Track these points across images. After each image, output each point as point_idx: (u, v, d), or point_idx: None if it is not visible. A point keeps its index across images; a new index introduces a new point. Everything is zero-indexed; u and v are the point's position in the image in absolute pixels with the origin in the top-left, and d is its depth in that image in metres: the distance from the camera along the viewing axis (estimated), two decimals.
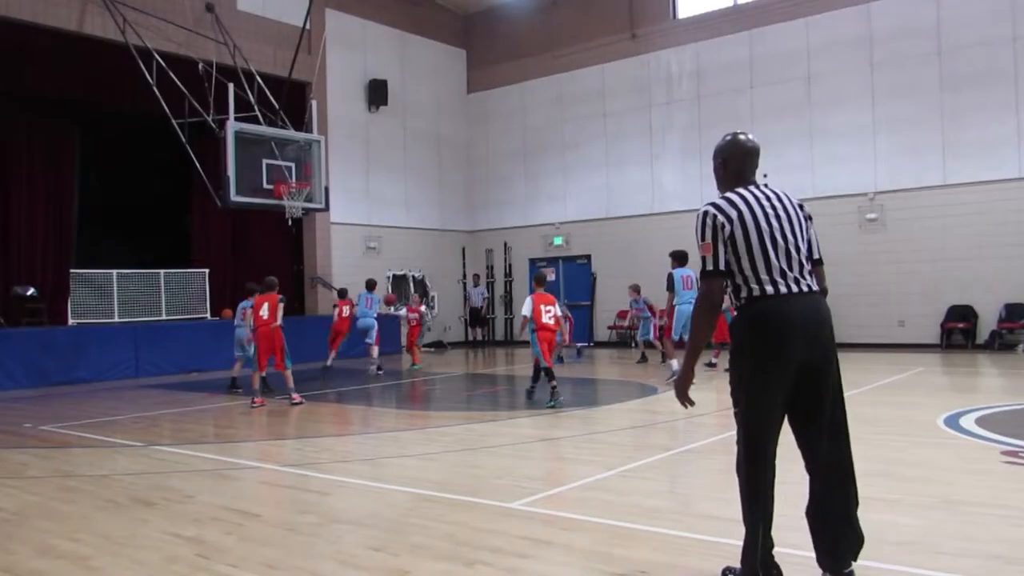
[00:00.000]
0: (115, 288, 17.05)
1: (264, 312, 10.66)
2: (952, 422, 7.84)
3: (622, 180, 21.06)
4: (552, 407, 9.58)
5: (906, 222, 16.90)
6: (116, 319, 16.88)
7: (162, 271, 17.75)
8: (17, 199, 16.34)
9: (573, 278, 22.15)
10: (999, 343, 15.88)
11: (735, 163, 3.63)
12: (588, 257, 21.85)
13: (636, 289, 15.81)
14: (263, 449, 7.82)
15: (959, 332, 16.38)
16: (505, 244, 23.46)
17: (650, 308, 15.60)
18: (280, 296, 10.98)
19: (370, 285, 15.61)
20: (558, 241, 22.35)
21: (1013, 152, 15.87)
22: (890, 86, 17.18)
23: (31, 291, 15.83)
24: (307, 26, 17.45)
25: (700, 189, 19.52)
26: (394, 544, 4.47)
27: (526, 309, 10.09)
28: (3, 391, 13.37)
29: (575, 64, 21.83)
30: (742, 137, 3.65)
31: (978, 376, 12.98)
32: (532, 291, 10.38)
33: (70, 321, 16.30)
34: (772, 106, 18.42)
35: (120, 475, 6.63)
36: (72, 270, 16.71)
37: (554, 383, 9.89)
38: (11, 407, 11.63)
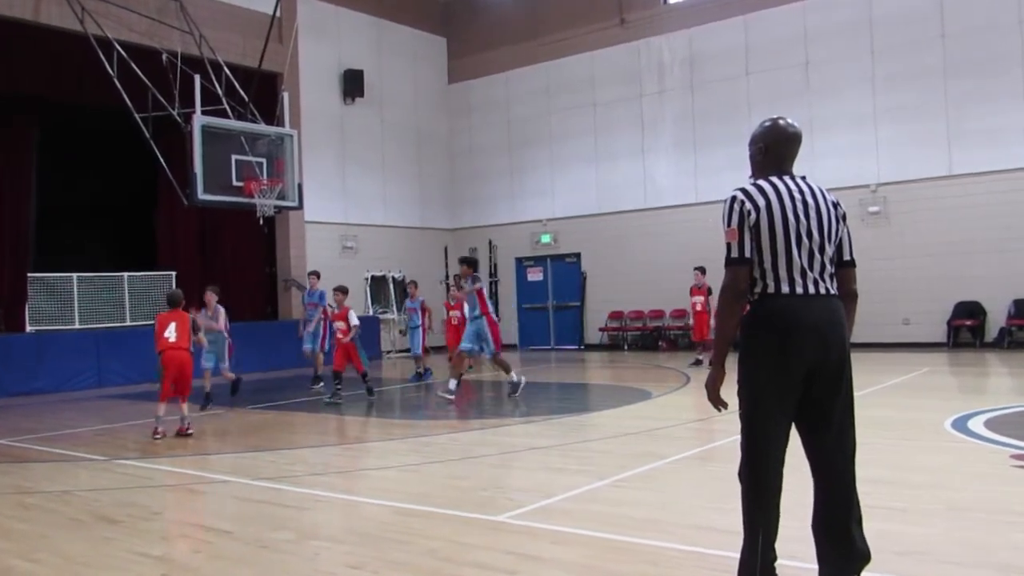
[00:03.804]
0: (75, 292, 16.93)
1: (172, 334, 9.46)
2: (960, 425, 7.88)
3: (612, 174, 21.09)
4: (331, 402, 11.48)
5: (910, 215, 17.02)
6: (77, 325, 16.76)
7: (126, 274, 17.63)
8: None
9: (562, 277, 22.17)
10: (1008, 341, 16.02)
11: (776, 150, 3.59)
12: (577, 255, 21.87)
13: (703, 271, 15.30)
14: (234, 462, 7.78)
15: (967, 330, 16.51)
16: (490, 242, 23.45)
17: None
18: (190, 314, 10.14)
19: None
20: (546, 239, 22.36)
21: (1021, 141, 16.00)
22: (892, 73, 17.29)
23: None
24: (277, 14, 17.35)
25: (694, 183, 19.60)
26: (373, 561, 4.45)
27: (355, 319, 11.92)
28: None
29: (562, 52, 21.85)
30: (783, 123, 3.61)
31: (987, 376, 13.09)
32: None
33: (28, 328, 16.16)
34: (769, 94, 18.50)
35: (82, 491, 6.58)
36: (30, 274, 16.56)
37: (368, 383, 11.93)
38: None
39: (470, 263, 11.99)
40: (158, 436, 9.19)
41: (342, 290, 12.41)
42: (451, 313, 14.91)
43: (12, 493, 6.61)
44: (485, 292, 12.02)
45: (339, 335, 11.91)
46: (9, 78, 15.62)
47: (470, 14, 23.81)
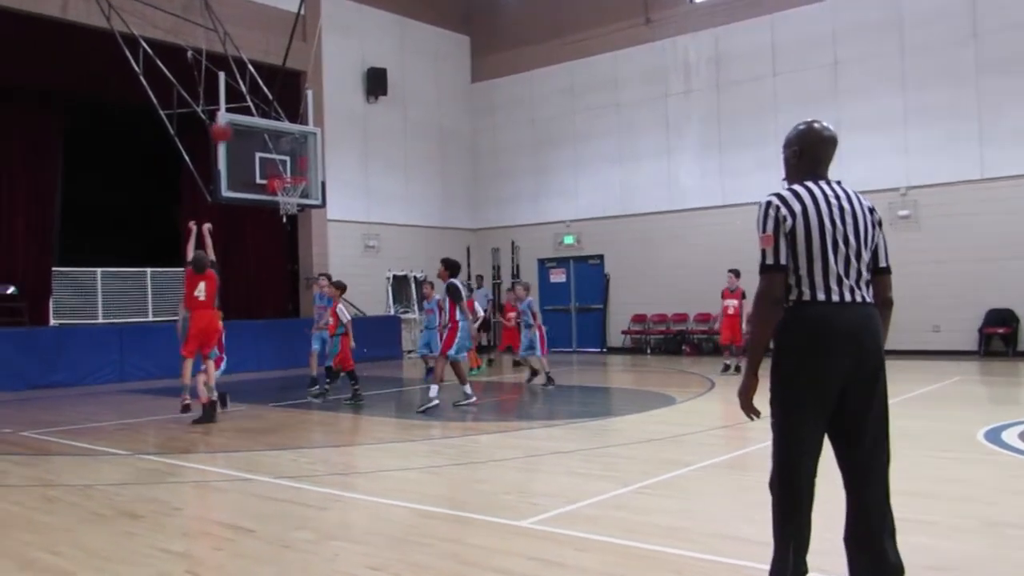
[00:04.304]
0: (99, 287, 17.12)
1: (201, 292, 9.89)
2: (993, 436, 7.77)
3: (637, 175, 21.02)
4: (351, 404, 11.32)
5: (940, 219, 16.83)
6: (100, 320, 16.94)
7: (149, 269, 17.80)
8: None
9: (585, 279, 22.11)
10: None
11: (811, 153, 3.54)
12: (601, 257, 21.82)
13: (738, 274, 14.56)
14: (256, 459, 7.81)
15: (999, 338, 16.29)
16: (513, 243, 23.44)
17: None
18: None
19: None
20: (569, 240, 22.32)
21: None
22: (922, 72, 17.10)
23: (11, 289, 15.89)
24: (301, 12, 17.46)
25: (720, 184, 19.49)
26: (394, 563, 4.45)
27: (344, 315, 11.83)
28: None
29: (586, 51, 21.80)
30: (818, 125, 3.56)
31: (1020, 386, 12.92)
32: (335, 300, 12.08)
33: (51, 321, 16.36)
34: (796, 95, 18.37)
35: (104, 485, 6.63)
36: (54, 268, 16.77)
37: (356, 385, 11.58)
38: None
39: (447, 264, 11.25)
40: (187, 405, 9.53)
41: (338, 285, 12.35)
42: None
43: (36, 486, 6.67)
44: (463, 295, 11.04)
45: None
46: (35, 75, 15.83)
47: (494, 12, 23.82)
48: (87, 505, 5.94)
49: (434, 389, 10.60)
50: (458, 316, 10.86)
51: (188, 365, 9.84)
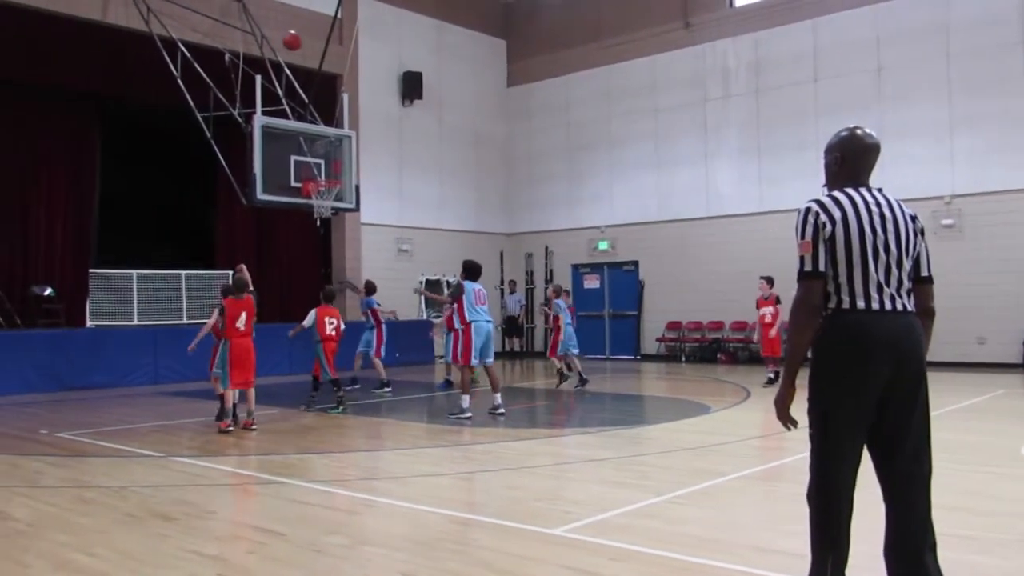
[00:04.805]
0: (135, 289, 17.38)
1: (243, 323, 9.80)
2: None
3: (673, 180, 20.93)
4: (339, 412, 11.15)
5: (986, 228, 16.56)
6: (135, 322, 17.19)
7: (183, 272, 18.05)
8: (36, 195, 16.77)
9: (619, 285, 22.05)
10: None
11: (853, 161, 3.53)
12: (635, 263, 21.75)
13: (770, 281, 14.24)
14: (287, 463, 7.89)
15: None
16: (546, 248, 23.45)
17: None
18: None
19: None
20: (603, 246, 22.28)
21: None
22: (969, 78, 16.85)
23: (48, 291, 16.19)
24: (338, 15, 17.62)
25: (758, 191, 19.35)
26: (426, 570, 4.47)
27: (308, 321, 11.44)
28: (17, 395, 13.67)
29: (624, 55, 21.77)
30: (860, 132, 3.55)
31: None
32: (320, 305, 11.66)
33: (88, 323, 16.64)
34: (838, 101, 18.18)
35: (138, 487, 6.73)
36: (91, 270, 17.07)
37: (340, 393, 11.38)
38: (25, 411, 11.90)
39: (463, 266, 11.05)
40: (229, 428, 9.46)
41: (329, 294, 12.02)
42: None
43: (72, 487, 6.80)
44: (468, 301, 10.65)
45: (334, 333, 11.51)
46: (75, 77, 16.15)
47: (531, 16, 23.88)
48: (121, 507, 6.04)
49: (465, 400, 10.42)
50: (467, 318, 10.58)
51: (231, 396, 9.72)
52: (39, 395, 13.80)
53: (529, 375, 17.75)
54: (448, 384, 14.40)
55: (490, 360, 10.91)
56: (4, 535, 5.28)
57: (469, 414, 10.31)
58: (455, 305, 10.90)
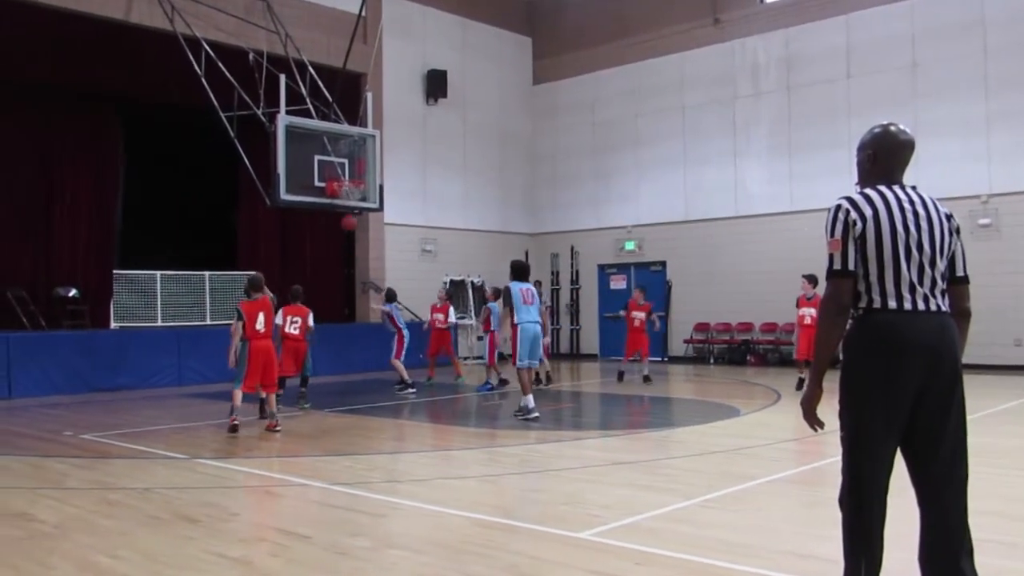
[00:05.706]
0: (159, 290, 17.55)
1: (261, 324, 9.97)
2: None
3: (702, 179, 20.83)
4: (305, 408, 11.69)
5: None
6: (159, 323, 17.36)
7: (207, 273, 18.20)
8: (60, 195, 16.96)
9: (646, 286, 21.89)
10: None
11: (886, 158, 3.50)
12: (663, 263, 21.67)
13: (813, 280, 13.43)
14: (311, 465, 7.94)
15: None
16: (572, 248, 23.43)
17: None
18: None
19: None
20: (630, 246, 22.22)
21: None
22: (1006, 75, 16.64)
23: (73, 292, 16.39)
24: (362, 13, 17.69)
25: (789, 190, 19.22)
26: (452, 573, 4.49)
27: (277, 318, 11.38)
28: (42, 396, 13.85)
29: (651, 52, 21.69)
30: (894, 129, 3.52)
31: None
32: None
33: (112, 324, 16.82)
34: (871, 98, 18.00)
35: (163, 489, 6.81)
36: (115, 271, 17.25)
37: (303, 389, 12.01)
38: (49, 413, 12.05)
39: (510, 266, 11.19)
40: (236, 426, 9.53)
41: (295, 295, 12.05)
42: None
43: (96, 489, 6.89)
44: (516, 302, 10.74)
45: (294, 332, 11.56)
46: (98, 77, 16.32)
47: (556, 13, 23.86)
48: (146, 508, 6.11)
49: (529, 400, 10.49)
50: (515, 320, 10.70)
51: (239, 395, 9.80)
52: (64, 397, 13.98)
53: (554, 377, 17.72)
54: (495, 385, 14.44)
55: (536, 362, 11.13)
56: (29, 537, 5.36)
57: (536, 413, 10.42)
58: (507, 308, 10.88)
